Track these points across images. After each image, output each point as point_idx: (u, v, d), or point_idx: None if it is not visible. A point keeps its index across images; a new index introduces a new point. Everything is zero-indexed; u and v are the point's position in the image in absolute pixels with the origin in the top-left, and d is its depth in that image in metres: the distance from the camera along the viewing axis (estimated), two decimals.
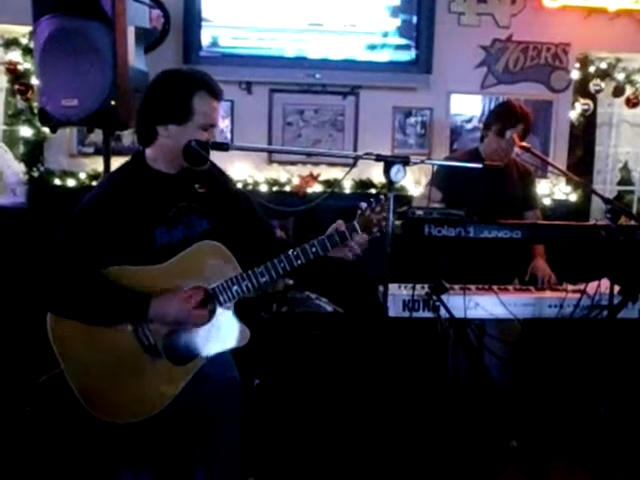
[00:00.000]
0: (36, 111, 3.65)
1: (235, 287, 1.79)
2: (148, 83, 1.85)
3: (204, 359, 1.80)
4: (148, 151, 1.81)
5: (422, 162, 1.87)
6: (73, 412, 1.80)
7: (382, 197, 1.88)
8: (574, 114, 3.99)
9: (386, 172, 1.76)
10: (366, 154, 1.78)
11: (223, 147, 1.81)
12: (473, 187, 2.66)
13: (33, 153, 3.84)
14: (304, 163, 3.88)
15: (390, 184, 1.77)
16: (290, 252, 1.80)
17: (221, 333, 1.81)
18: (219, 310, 1.80)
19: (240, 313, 1.85)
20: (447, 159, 3.20)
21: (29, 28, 3.49)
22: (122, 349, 1.72)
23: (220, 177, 1.97)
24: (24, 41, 3.71)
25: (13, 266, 3.37)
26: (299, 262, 1.80)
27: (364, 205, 1.86)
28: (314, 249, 1.81)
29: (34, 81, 3.66)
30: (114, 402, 1.74)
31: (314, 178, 3.81)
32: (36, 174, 3.86)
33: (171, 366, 1.75)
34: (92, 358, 1.71)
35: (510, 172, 2.87)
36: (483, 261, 2.60)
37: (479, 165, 2.13)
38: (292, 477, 2.63)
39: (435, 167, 2.01)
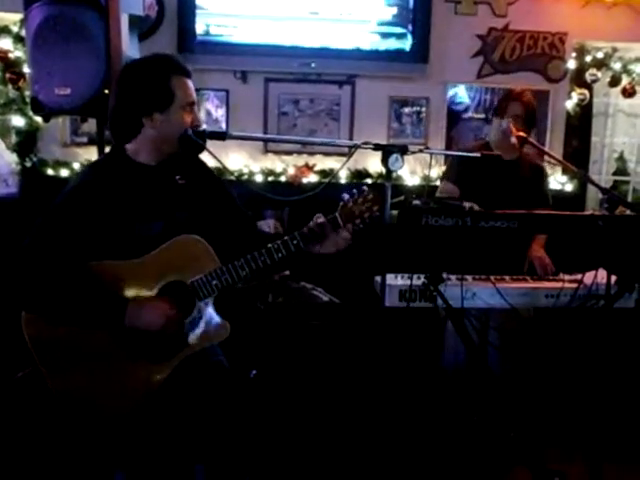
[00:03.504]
0: (28, 100, 3.62)
1: (215, 281, 1.76)
2: (117, 77, 1.79)
3: (185, 354, 1.77)
4: (129, 145, 1.77)
5: (420, 151, 1.86)
6: (53, 411, 1.77)
7: (365, 188, 1.85)
8: (570, 104, 3.98)
9: (384, 161, 1.75)
10: (364, 143, 1.77)
11: (220, 136, 1.79)
12: (485, 182, 2.66)
13: (26, 143, 3.81)
14: (299, 153, 3.86)
15: (388, 173, 1.75)
16: (270, 245, 1.77)
17: (201, 328, 1.78)
18: (199, 304, 1.77)
19: (234, 304, 1.84)
20: (456, 151, 3.20)
21: (20, 16, 3.44)
22: (99, 347, 1.69)
23: (201, 168, 1.94)
24: (15, 29, 3.66)
25: (5, 257, 3.34)
26: (279, 255, 1.77)
27: (346, 197, 1.84)
28: (295, 242, 1.78)
29: (26, 70, 3.63)
30: (92, 400, 1.71)
31: (309, 168, 3.80)
32: (29, 164, 3.83)
33: (149, 365, 1.73)
34: (68, 357, 1.68)
35: (522, 167, 2.85)
36: (483, 251, 2.59)
37: (477, 154, 2.12)
38: (289, 468, 2.64)
39: (449, 161, 1.98)
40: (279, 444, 2.72)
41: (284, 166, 3.86)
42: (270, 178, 3.84)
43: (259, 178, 3.81)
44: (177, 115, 1.73)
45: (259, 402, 2.73)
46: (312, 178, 3.81)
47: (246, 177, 3.78)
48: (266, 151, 3.89)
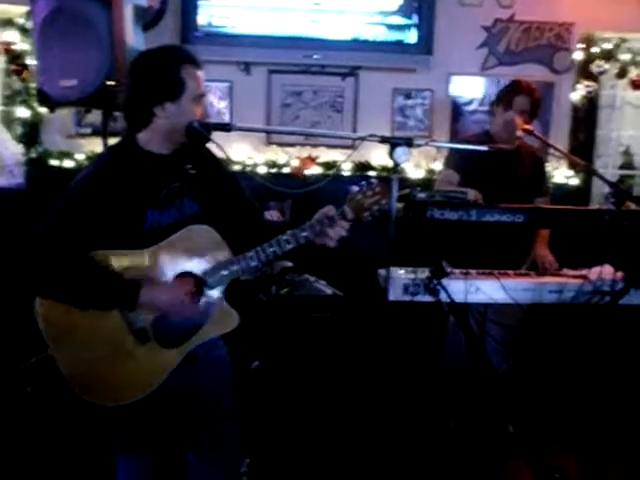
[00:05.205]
0: (33, 92, 3.63)
1: (225, 271, 1.78)
2: (129, 68, 1.79)
3: (194, 343, 1.79)
4: (141, 134, 1.77)
5: (426, 144, 1.84)
6: (64, 395, 1.79)
7: (374, 181, 1.84)
8: (576, 96, 3.95)
9: (390, 154, 1.73)
10: (370, 135, 1.75)
11: (225, 128, 1.78)
12: (485, 170, 2.64)
13: (30, 134, 3.82)
14: (303, 145, 3.85)
15: (395, 166, 1.74)
16: (281, 236, 1.78)
17: (211, 317, 1.79)
18: (209, 294, 1.78)
19: (237, 296, 1.84)
20: (457, 142, 3.17)
21: (25, 8, 3.45)
22: (110, 332, 1.70)
23: (210, 158, 1.94)
24: (20, 21, 3.66)
25: (12, 247, 3.35)
26: (289, 246, 1.79)
27: (355, 189, 1.82)
28: (304, 233, 1.79)
29: (30, 61, 3.63)
30: (102, 385, 1.73)
31: (312, 160, 3.79)
32: (34, 155, 3.83)
33: (160, 349, 1.74)
34: (80, 341, 1.69)
35: (523, 157, 2.84)
36: (486, 245, 2.59)
37: (484, 148, 2.11)
38: (289, 458, 2.65)
39: (448, 150, 1.96)
40: (280, 434, 2.73)
41: (287, 158, 3.85)
42: (273, 170, 3.83)
43: (262, 169, 3.81)
44: (187, 105, 1.73)
45: (261, 393, 2.74)
46: (315, 170, 3.80)
47: (249, 168, 3.77)
48: (269, 143, 3.88)
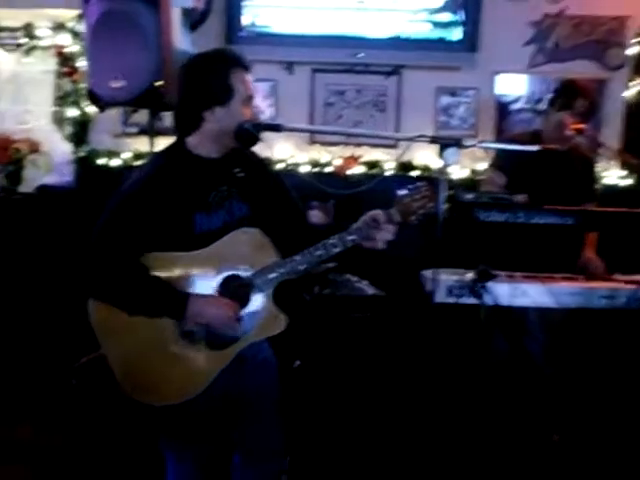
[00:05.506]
0: (82, 92, 3.73)
1: (273, 274, 1.78)
2: (179, 72, 1.81)
3: (242, 345, 1.80)
4: (190, 138, 1.78)
5: (476, 145, 1.81)
6: (114, 394, 1.82)
7: (421, 183, 1.82)
8: (630, 93, 3.81)
9: (440, 155, 1.71)
10: (420, 136, 1.73)
11: (276, 128, 1.79)
12: (533, 172, 2.58)
13: (79, 134, 3.92)
14: (345, 144, 3.84)
15: (444, 167, 1.72)
16: (328, 240, 1.79)
17: (258, 320, 1.80)
18: (256, 297, 1.79)
19: (281, 295, 1.85)
20: (505, 141, 3.11)
21: (76, 12, 3.55)
22: (161, 334, 1.72)
23: (258, 161, 1.95)
24: (71, 25, 3.76)
25: (62, 242, 3.46)
26: (336, 250, 1.79)
27: (403, 192, 1.81)
28: (351, 237, 1.79)
29: (80, 63, 3.73)
30: (152, 385, 1.75)
31: (356, 160, 3.78)
32: (82, 154, 3.94)
33: (208, 351, 1.76)
34: (131, 342, 1.72)
35: (572, 159, 2.75)
36: (534, 248, 2.53)
37: (536, 147, 2.06)
38: (330, 459, 2.65)
39: (494, 151, 1.92)
40: (321, 435, 2.73)
41: (330, 157, 3.85)
42: (315, 169, 3.83)
43: (305, 169, 3.82)
44: (237, 109, 1.73)
45: (302, 393, 2.75)
46: (357, 169, 3.79)
47: (292, 168, 3.78)
48: (312, 142, 3.89)
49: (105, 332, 1.72)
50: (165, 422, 1.85)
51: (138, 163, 3.91)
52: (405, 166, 3.78)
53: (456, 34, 3.70)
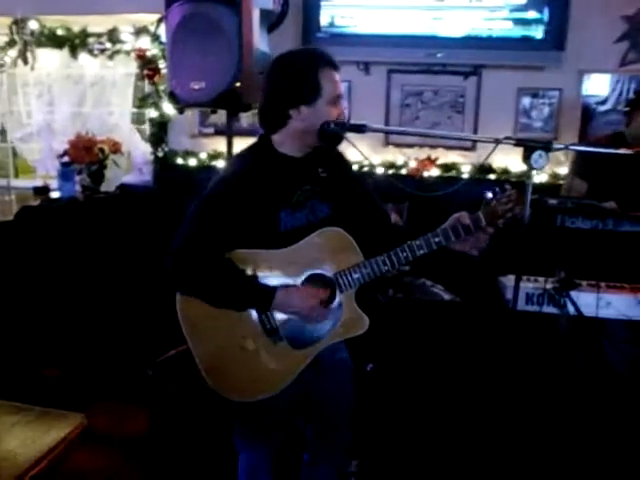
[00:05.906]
0: (162, 94, 3.86)
1: (357, 275, 1.77)
2: (267, 69, 1.81)
3: (323, 345, 1.80)
4: (275, 136, 1.79)
5: (566, 148, 1.72)
6: (194, 386, 1.85)
7: (508, 187, 1.77)
8: None
9: (526, 158, 1.63)
10: (505, 138, 1.66)
11: (360, 129, 1.77)
12: (616, 177, 2.44)
13: (158, 134, 4.05)
14: (421, 146, 3.77)
15: (529, 171, 1.64)
16: (413, 242, 1.76)
17: (341, 320, 1.79)
18: (340, 297, 1.78)
19: (358, 298, 1.83)
20: (588, 144, 2.96)
21: (157, 15, 3.67)
22: (245, 330, 1.75)
23: (341, 161, 1.94)
24: (152, 28, 3.88)
25: (142, 240, 3.58)
26: (421, 252, 1.76)
27: (489, 195, 1.75)
28: (437, 239, 1.75)
29: (160, 65, 3.85)
30: (234, 380, 1.78)
31: (432, 162, 3.70)
32: (161, 154, 4.06)
33: (291, 350, 1.77)
34: (216, 337, 1.75)
35: None
36: (621, 257, 2.39)
37: (629, 151, 1.94)
38: (400, 464, 2.61)
39: (576, 154, 1.84)
40: (391, 438, 2.69)
41: (405, 159, 3.79)
42: (390, 170, 3.78)
43: (380, 170, 3.78)
44: (324, 108, 1.72)
45: (374, 396, 2.72)
46: (433, 172, 3.71)
47: (367, 169, 3.75)
48: (387, 143, 3.84)
49: (192, 327, 1.75)
50: (240, 415, 1.88)
51: (214, 163, 4.00)
52: (483, 169, 3.66)
53: (540, 32, 3.54)
